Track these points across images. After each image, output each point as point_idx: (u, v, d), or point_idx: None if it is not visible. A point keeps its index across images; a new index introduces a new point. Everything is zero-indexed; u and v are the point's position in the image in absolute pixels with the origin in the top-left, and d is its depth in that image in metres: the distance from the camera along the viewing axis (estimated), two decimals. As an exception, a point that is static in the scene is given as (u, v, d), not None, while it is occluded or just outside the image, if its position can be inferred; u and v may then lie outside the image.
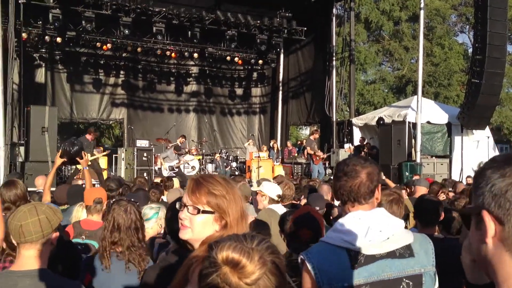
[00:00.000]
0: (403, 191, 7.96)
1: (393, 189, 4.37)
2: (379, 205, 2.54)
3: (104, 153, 15.72)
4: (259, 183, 5.84)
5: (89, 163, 12.54)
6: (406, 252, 2.22)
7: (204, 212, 1.98)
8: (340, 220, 2.30)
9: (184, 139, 18.74)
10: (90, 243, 4.45)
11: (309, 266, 2.19)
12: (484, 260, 1.18)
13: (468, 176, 15.50)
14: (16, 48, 16.22)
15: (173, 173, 15.97)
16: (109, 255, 3.44)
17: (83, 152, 5.85)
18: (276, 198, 5.45)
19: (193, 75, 24.29)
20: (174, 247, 2.49)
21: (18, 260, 2.57)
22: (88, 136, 14.60)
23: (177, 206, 2.13)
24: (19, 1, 16.39)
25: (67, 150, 5.69)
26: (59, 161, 5.90)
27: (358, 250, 2.17)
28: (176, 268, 2.02)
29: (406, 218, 4.75)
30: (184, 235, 2.03)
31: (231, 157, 20.83)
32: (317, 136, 18.81)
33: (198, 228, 2.00)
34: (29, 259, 2.55)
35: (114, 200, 4.05)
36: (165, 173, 15.98)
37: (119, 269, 3.43)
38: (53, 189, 6.94)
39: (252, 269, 1.23)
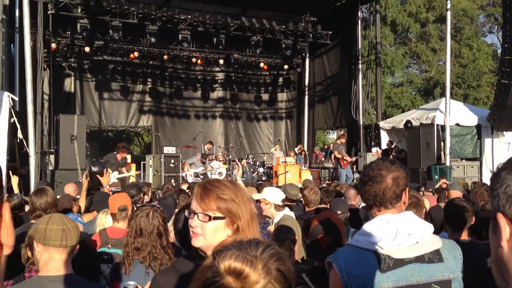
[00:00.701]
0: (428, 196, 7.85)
1: (411, 193, 4.31)
2: None
3: (132, 173, 15.02)
4: (261, 190, 5.78)
5: (111, 181, 12.27)
6: (435, 257, 2.19)
7: (215, 218, 1.95)
8: (368, 223, 2.27)
9: (211, 145, 18.82)
10: (117, 252, 4.42)
11: (336, 269, 2.17)
12: (500, 264, 1.14)
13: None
14: (45, 58, 16.54)
15: (199, 179, 16.04)
16: (132, 261, 3.45)
17: (105, 170, 5.90)
18: (281, 203, 5.40)
19: (219, 81, 24.41)
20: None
21: (45, 266, 2.61)
22: (118, 155, 13.55)
23: (186, 213, 2.09)
24: (48, 12, 16.75)
25: (89, 170, 5.77)
26: (85, 183, 5.98)
27: (387, 254, 2.14)
28: (186, 275, 2.00)
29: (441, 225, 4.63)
30: (196, 242, 1.99)
31: (258, 162, 20.82)
32: (344, 140, 18.65)
33: (210, 234, 1.96)
34: (55, 264, 2.59)
35: (138, 206, 4.06)
36: (190, 179, 16.06)
37: (139, 274, 3.43)
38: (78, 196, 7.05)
39: (256, 278, 1.19)
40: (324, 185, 9.68)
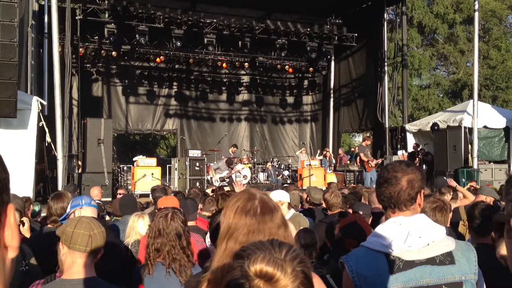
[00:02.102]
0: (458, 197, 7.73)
1: (437, 196, 4.26)
2: (423, 212, 2.49)
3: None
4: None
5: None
6: (447, 259, 2.20)
7: None
8: (380, 226, 2.31)
9: (235, 149, 18.88)
10: None
11: (347, 270, 2.23)
12: None
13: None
14: (74, 64, 16.85)
15: (225, 183, 16.13)
16: (153, 262, 3.50)
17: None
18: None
19: (244, 84, 24.49)
20: None
21: (69, 269, 2.65)
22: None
23: None
24: (76, 18, 17.06)
25: None
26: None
27: (397, 255, 2.17)
28: None
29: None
30: None
31: (282, 165, 20.81)
32: (369, 142, 18.43)
33: None
34: (78, 268, 2.63)
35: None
36: (216, 184, 16.15)
37: (161, 275, 3.48)
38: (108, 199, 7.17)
39: (285, 283, 1.21)
40: (345, 190, 9.58)
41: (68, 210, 4.34)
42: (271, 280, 1.20)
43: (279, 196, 5.34)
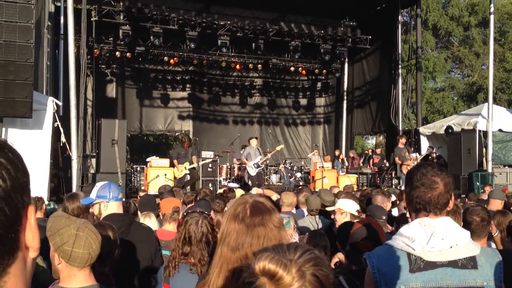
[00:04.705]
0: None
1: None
2: None
3: (201, 162, 16.01)
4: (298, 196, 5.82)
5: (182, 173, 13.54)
6: (469, 263, 2.22)
7: None
8: (406, 226, 2.37)
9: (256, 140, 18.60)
10: (165, 253, 4.47)
11: (369, 266, 2.31)
12: None
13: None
14: (89, 65, 16.97)
15: (261, 169, 16.09)
16: (177, 265, 3.47)
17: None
18: (356, 213, 5.40)
19: (257, 86, 24.52)
20: None
21: (66, 279, 2.56)
22: (185, 145, 15.45)
23: None
24: (92, 19, 17.21)
25: None
26: None
27: (419, 255, 2.22)
28: None
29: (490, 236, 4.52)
30: None
31: (295, 167, 20.80)
32: (404, 140, 17.26)
33: None
34: (78, 279, 2.57)
35: (187, 212, 4.08)
36: (252, 171, 15.92)
37: (183, 277, 3.44)
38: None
39: (289, 281, 1.21)
40: (358, 193, 9.55)
41: (93, 195, 4.28)
42: (274, 278, 1.22)
43: (341, 205, 5.38)
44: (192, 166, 15.42)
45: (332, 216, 5.83)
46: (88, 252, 2.52)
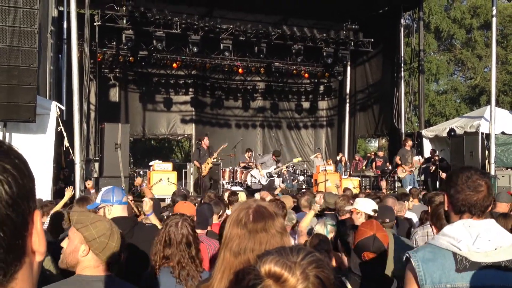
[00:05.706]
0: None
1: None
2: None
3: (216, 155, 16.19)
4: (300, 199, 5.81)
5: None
6: None
7: None
8: (449, 226, 2.41)
9: (250, 153, 18.89)
10: None
11: (414, 264, 2.33)
12: None
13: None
14: (92, 69, 17.02)
15: (273, 179, 16.13)
16: (159, 270, 3.46)
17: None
18: (372, 213, 5.38)
19: (259, 90, 24.53)
20: None
21: (85, 269, 2.65)
22: (203, 144, 15.86)
23: None
24: (95, 24, 17.28)
25: None
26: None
27: (465, 256, 2.27)
28: None
29: None
30: None
31: (298, 170, 20.78)
32: (410, 142, 17.38)
33: None
34: (97, 269, 2.65)
35: (167, 215, 4.11)
36: (264, 180, 15.98)
37: (165, 281, 3.43)
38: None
39: (294, 283, 1.24)
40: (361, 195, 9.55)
41: (98, 200, 4.37)
42: (279, 280, 1.25)
43: (357, 205, 5.40)
44: (214, 158, 15.74)
45: (347, 216, 5.85)
46: (118, 246, 2.67)
